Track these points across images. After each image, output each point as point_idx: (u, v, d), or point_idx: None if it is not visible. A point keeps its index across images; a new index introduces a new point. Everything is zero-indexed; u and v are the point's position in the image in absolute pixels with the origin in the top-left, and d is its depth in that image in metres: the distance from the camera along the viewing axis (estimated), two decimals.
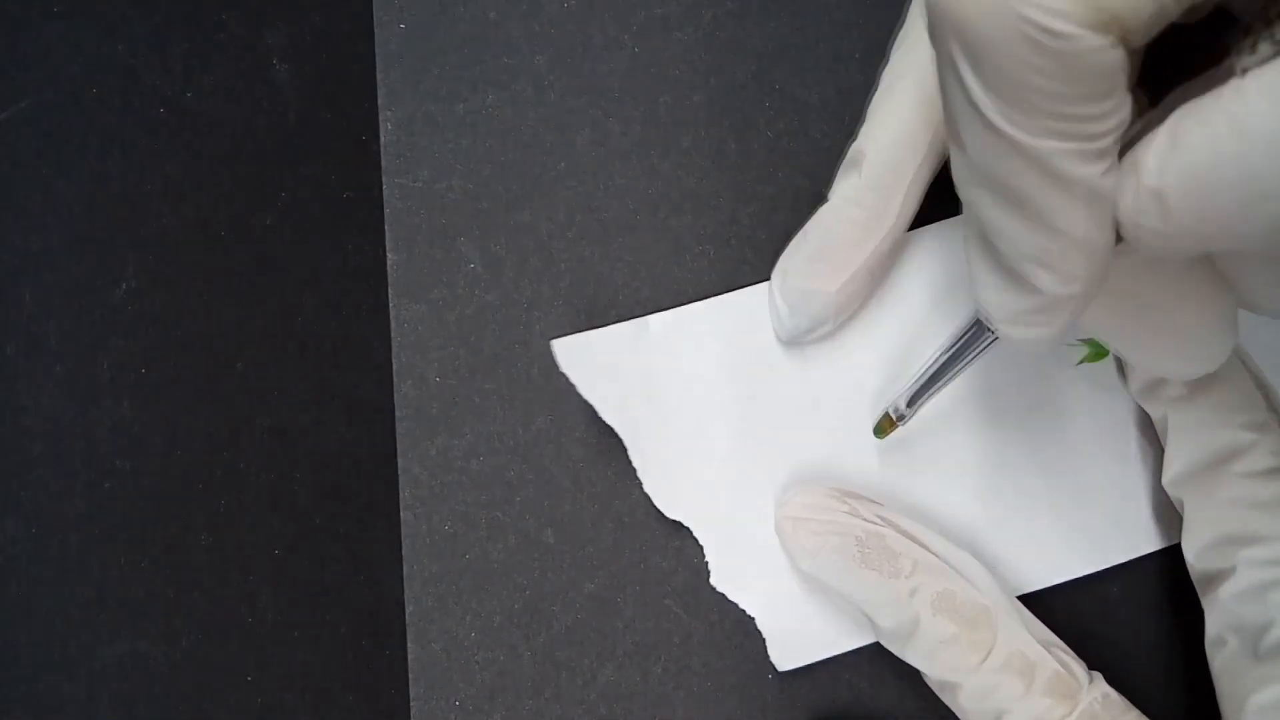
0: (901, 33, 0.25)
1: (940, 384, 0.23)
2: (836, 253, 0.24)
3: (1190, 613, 0.25)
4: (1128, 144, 0.16)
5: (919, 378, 0.23)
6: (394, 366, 0.27)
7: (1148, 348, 0.18)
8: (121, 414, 0.29)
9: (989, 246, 0.17)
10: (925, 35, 0.16)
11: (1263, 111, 0.13)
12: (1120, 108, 0.15)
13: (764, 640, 0.25)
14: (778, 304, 0.25)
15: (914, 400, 0.24)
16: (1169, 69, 0.15)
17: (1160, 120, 0.15)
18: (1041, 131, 0.14)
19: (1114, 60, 0.14)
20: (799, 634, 0.25)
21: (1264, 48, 0.14)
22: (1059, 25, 0.13)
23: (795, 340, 0.26)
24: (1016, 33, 0.13)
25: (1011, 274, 0.17)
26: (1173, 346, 0.18)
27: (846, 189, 0.24)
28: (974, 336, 0.21)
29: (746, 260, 0.28)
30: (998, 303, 0.18)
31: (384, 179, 0.28)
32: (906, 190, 0.23)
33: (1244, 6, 0.15)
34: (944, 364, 0.22)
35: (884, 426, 0.25)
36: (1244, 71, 0.14)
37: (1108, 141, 0.15)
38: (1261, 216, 0.14)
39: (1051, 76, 0.14)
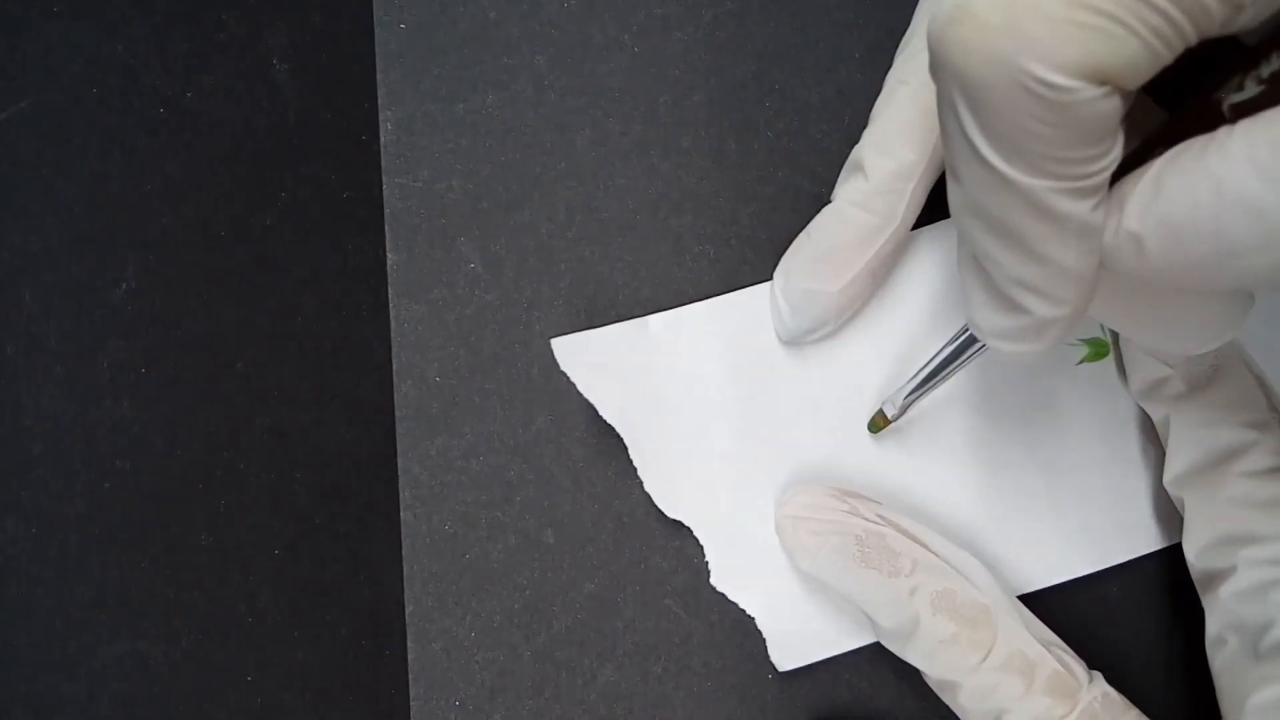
0: (905, 37, 0.25)
1: (935, 384, 0.23)
2: (840, 254, 0.24)
3: (1190, 612, 0.25)
4: (1118, 170, 0.16)
5: (914, 377, 0.24)
6: (394, 366, 0.27)
7: (1154, 330, 0.18)
8: (121, 414, 0.29)
9: (981, 269, 0.17)
10: None
11: (1243, 175, 0.14)
12: (1113, 148, 0.15)
13: (764, 640, 0.25)
14: (780, 304, 0.25)
15: (908, 398, 0.24)
16: (1179, 75, 0.15)
17: (1150, 153, 0.16)
18: (1035, 172, 0.15)
19: (1109, 108, 0.14)
20: (799, 634, 0.25)
21: (1250, 85, 0.15)
22: (1056, 78, 0.14)
23: (796, 340, 0.26)
24: (1015, 83, 0.14)
25: (1002, 296, 0.17)
26: (1180, 328, 0.18)
27: (851, 192, 0.24)
28: (967, 343, 0.22)
29: (746, 260, 0.28)
30: (988, 320, 0.18)
31: (384, 179, 0.28)
32: (911, 194, 0.23)
33: (1250, 34, 0.15)
34: (938, 366, 0.23)
35: (878, 422, 0.25)
36: (1231, 109, 0.15)
37: (1100, 179, 0.15)
38: (1230, 270, 0.15)
39: (1048, 124, 0.14)
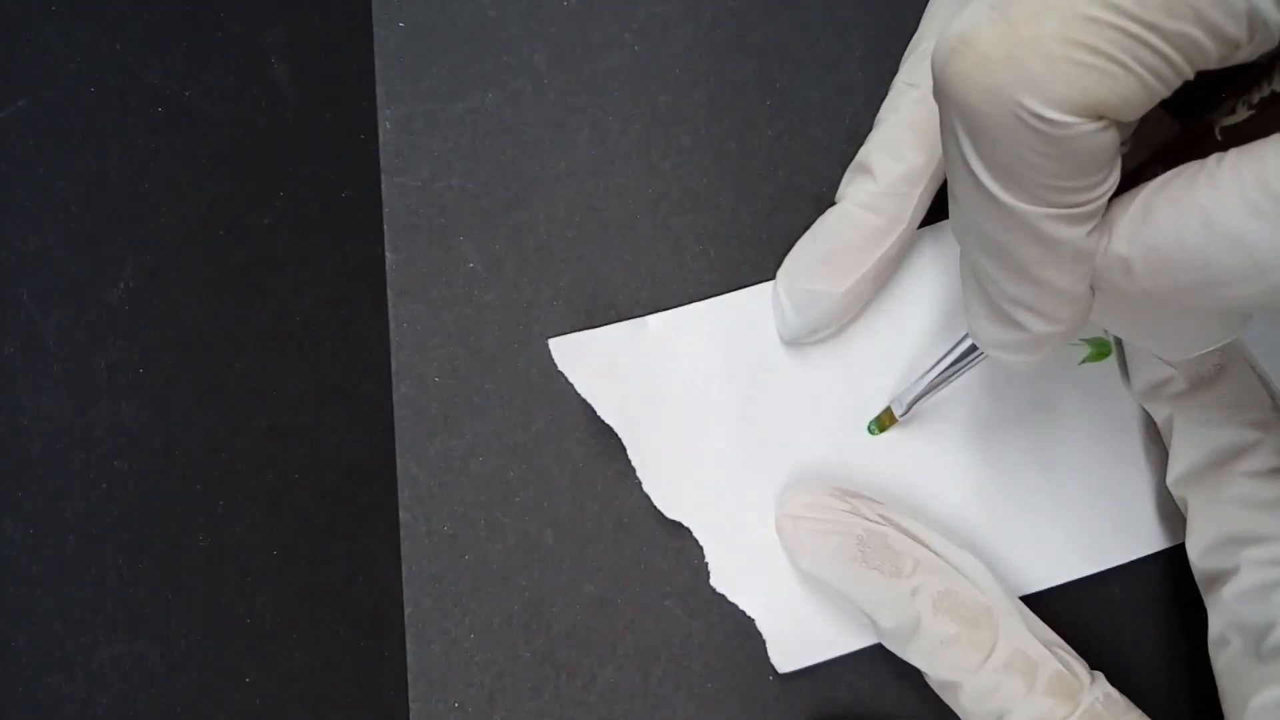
0: (914, 40, 0.25)
1: (941, 386, 0.23)
2: (845, 256, 0.24)
3: (1192, 613, 0.25)
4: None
5: (921, 378, 0.24)
6: (393, 366, 0.27)
7: (1154, 335, 0.19)
8: (120, 414, 0.29)
9: (980, 285, 0.18)
10: None
11: (1231, 209, 0.14)
12: (1110, 177, 0.15)
13: (764, 641, 0.25)
14: (783, 304, 0.25)
15: (915, 399, 0.24)
16: (1192, 88, 0.15)
17: (1145, 170, 0.16)
18: (1032, 199, 0.15)
19: (1106, 141, 0.14)
20: (799, 635, 0.25)
21: (1241, 110, 0.15)
22: (1053, 114, 0.14)
23: (798, 340, 0.26)
24: (1012, 116, 0.14)
25: (1000, 312, 0.18)
26: (1179, 334, 0.18)
27: (858, 194, 0.24)
28: (973, 348, 0.22)
29: (747, 259, 0.27)
30: (987, 333, 0.19)
31: (383, 178, 0.28)
32: (918, 198, 0.24)
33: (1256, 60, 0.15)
34: (946, 368, 0.23)
35: (884, 421, 0.25)
36: (1221, 132, 0.15)
37: (1096, 206, 0.15)
38: (1216, 297, 0.15)
39: (1044, 156, 0.14)
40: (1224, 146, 0.14)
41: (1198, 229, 0.14)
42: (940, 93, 0.15)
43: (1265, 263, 0.14)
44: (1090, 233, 0.16)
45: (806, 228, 0.25)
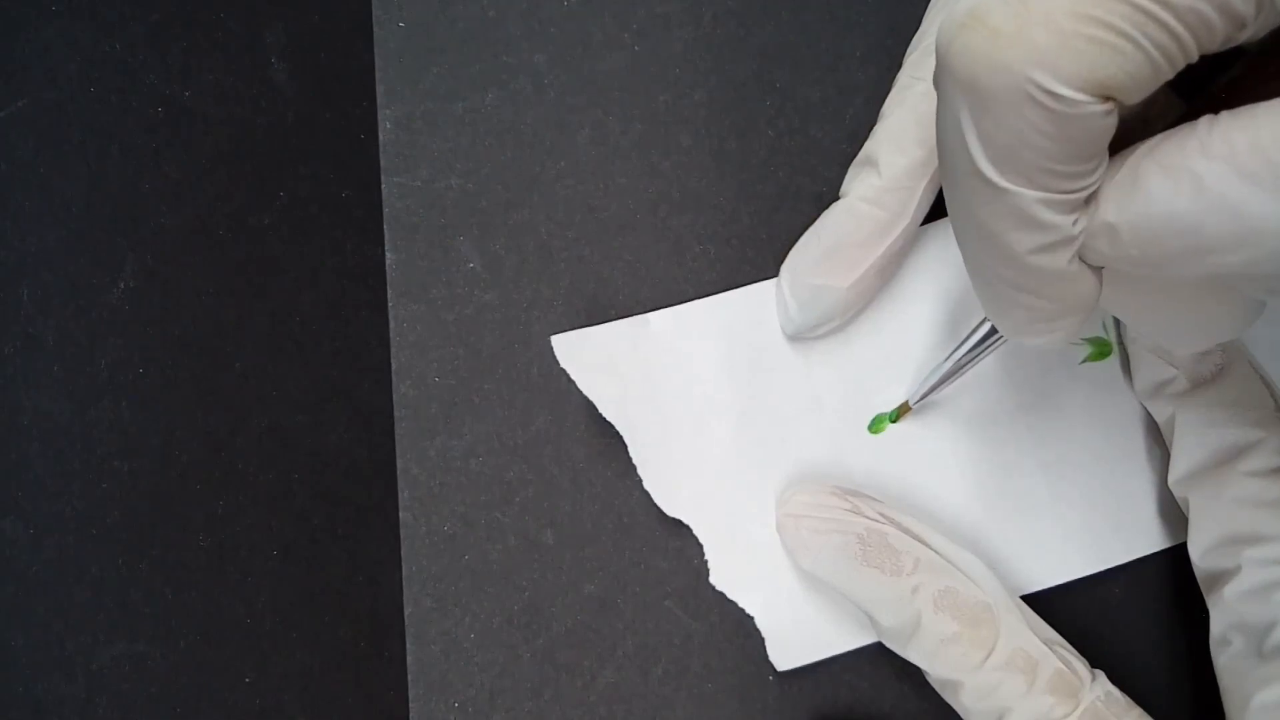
0: (918, 36, 0.25)
1: (958, 375, 0.23)
2: (850, 251, 0.24)
3: (1193, 612, 0.25)
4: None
5: (939, 367, 0.24)
6: (393, 366, 0.27)
7: (1160, 324, 0.19)
8: (119, 414, 0.29)
9: (980, 270, 0.18)
10: None
11: (1223, 174, 0.14)
12: (1100, 166, 0.15)
13: (764, 641, 0.25)
14: (786, 299, 0.25)
15: (929, 391, 0.24)
16: (1198, 68, 0.15)
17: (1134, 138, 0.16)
18: (1027, 182, 0.15)
19: (1107, 124, 0.14)
20: (798, 633, 0.25)
21: (1236, 66, 0.15)
22: (1062, 90, 0.14)
23: (800, 336, 0.26)
24: (1020, 92, 0.14)
25: (1002, 294, 0.18)
26: (1188, 323, 0.18)
27: (864, 189, 0.24)
28: (989, 333, 0.22)
29: (747, 259, 0.27)
30: (996, 317, 0.19)
31: (383, 178, 0.28)
32: (923, 191, 0.24)
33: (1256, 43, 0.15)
34: (963, 356, 0.23)
35: (899, 413, 0.25)
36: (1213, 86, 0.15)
37: (1084, 195, 0.15)
38: (1204, 265, 0.15)
39: (1047, 135, 0.14)
40: (1215, 101, 0.14)
41: (1189, 195, 0.14)
42: (944, 70, 0.15)
43: (1257, 229, 0.14)
44: (1076, 222, 0.16)
45: (807, 227, 0.25)
